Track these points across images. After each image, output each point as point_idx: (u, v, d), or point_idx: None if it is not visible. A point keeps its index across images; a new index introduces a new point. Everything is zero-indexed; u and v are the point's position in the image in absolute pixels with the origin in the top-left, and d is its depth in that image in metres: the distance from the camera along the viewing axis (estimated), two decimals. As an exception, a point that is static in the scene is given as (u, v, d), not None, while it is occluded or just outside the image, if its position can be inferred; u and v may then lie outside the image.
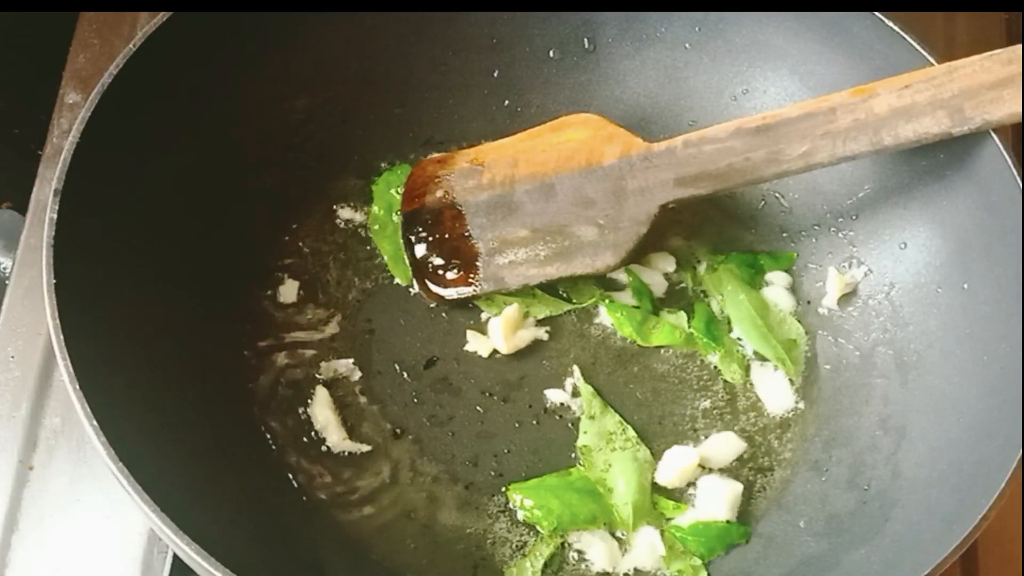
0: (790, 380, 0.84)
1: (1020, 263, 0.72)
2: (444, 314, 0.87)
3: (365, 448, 0.81)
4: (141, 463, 0.62)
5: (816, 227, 0.88)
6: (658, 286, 0.88)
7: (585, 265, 0.85)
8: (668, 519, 0.79)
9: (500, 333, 0.84)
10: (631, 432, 0.82)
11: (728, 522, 0.79)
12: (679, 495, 0.80)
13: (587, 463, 0.81)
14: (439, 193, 0.88)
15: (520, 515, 0.79)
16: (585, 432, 0.82)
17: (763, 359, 0.85)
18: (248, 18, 0.79)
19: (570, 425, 0.82)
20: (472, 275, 0.86)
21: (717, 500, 0.79)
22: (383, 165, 0.91)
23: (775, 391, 0.84)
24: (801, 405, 0.84)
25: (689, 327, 0.86)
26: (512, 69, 0.92)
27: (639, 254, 0.87)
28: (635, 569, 0.78)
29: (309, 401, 0.82)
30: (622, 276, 0.88)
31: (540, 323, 0.86)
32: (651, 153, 0.83)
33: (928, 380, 0.78)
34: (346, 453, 0.81)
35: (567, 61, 0.91)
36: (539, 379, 0.84)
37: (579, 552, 0.78)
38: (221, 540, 0.61)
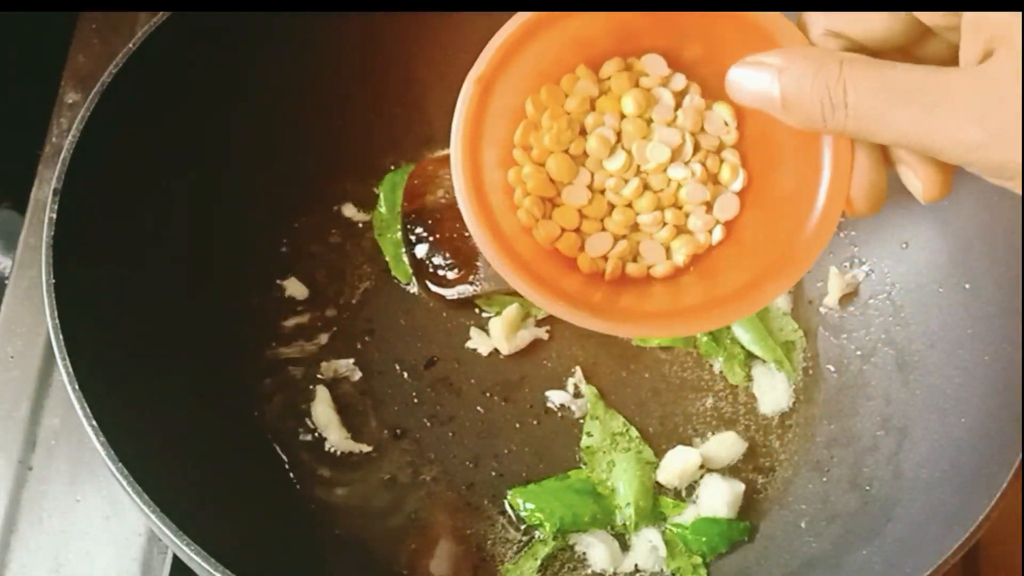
0: (789, 381, 0.84)
1: (1022, 262, 0.72)
2: (444, 314, 0.87)
3: (366, 448, 0.81)
4: (141, 463, 0.62)
5: (817, 227, 0.88)
6: (659, 286, 0.88)
7: (586, 265, 0.85)
8: (669, 518, 0.79)
9: (500, 333, 0.84)
10: (634, 432, 0.82)
11: (730, 520, 0.78)
12: (680, 495, 0.80)
13: (590, 464, 0.80)
14: (440, 193, 0.88)
15: (521, 517, 0.79)
16: (589, 434, 0.81)
17: (763, 360, 0.85)
18: (248, 18, 0.79)
19: (571, 426, 0.82)
20: (472, 275, 0.86)
21: (718, 500, 0.78)
22: (388, 164, 0.91)
23: (774, 392, 0.84)
24: (802, 405, 0.84)
25: (691, 331, 0.86)
26: (513, 69, 0.91)
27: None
28: (635, 568, 0.78)
29: (310, 401, 0.82)
30: (623, 276, 0.87)
31: (540, 323, 0.86)
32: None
33: (930, 380, 0.78)
34: (347, 453, 0.81)
35: (568, 61, 0.91)
36: (540, 379, 0.84)
37: (579, 552, 0.78)
38: (221, 540, 0.61)
